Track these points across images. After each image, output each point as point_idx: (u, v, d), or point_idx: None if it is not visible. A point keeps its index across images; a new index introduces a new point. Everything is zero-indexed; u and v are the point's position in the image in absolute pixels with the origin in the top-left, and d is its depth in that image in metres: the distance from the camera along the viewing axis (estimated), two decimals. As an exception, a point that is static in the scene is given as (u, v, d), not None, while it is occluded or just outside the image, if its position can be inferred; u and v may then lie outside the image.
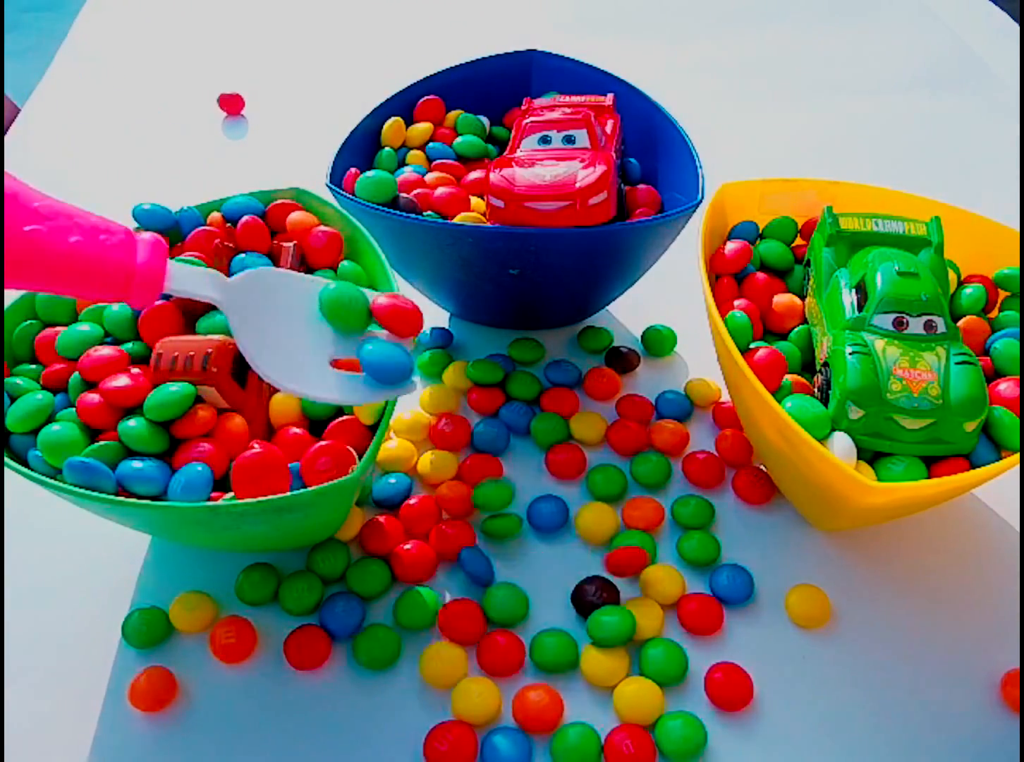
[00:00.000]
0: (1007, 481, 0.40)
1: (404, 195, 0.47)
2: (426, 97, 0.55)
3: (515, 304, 0.50)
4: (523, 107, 0.53)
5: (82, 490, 0.33)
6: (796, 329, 0.44)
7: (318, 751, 0.35)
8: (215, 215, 0.45)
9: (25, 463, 0.36)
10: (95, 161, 0.69)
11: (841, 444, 0.36)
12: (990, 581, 0.41)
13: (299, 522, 0.35)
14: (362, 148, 0.52)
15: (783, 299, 0.44)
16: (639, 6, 0.89)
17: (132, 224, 0.44)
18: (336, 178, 0.48)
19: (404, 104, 0.55)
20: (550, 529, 0.43)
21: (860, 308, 0.39)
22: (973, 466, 0.36)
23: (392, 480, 0.43)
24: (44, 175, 0.67)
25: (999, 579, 0.41)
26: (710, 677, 0.37)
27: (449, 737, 0.34)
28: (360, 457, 0.35)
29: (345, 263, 0.43)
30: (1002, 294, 0.44)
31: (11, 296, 0.41)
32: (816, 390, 0.40)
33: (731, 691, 0.36)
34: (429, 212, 0.48)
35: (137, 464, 0.35)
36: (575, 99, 0.52)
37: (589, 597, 0.39)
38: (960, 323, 0.42)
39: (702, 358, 0.49)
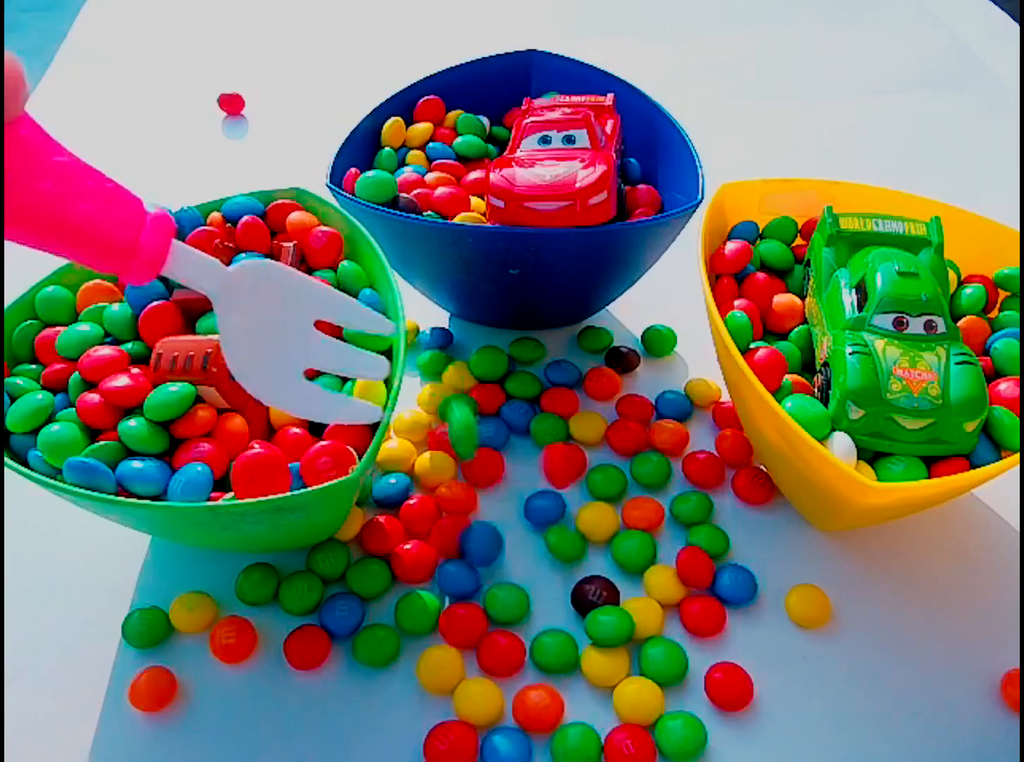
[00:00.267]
0: (1007, 481, 0.40)
1: (404, 195, 0.47)
2: (426, 97, 0.55)
3: (515, 304, 0.50)
4: (523, 107, 0.53)
5: (82, 490, 0.33)
6: (796, 329, 0.44)
7: (318, 751, 0.35)
8: (215, 215, 0.45)
9: (25, 463, 0.36)
10: (95, 161, 0.69)
11: (841, 444, 0.36)
12: (990, 581, 0.41)
13: (299, 522, 0.35)
14: (362, 148, 0.52)
15: (783, 299, 0.44)
16: (639, 6, 0.89)
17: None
18: (336, 178, 0.48)
19: (404, 104, 0.55)
20: (546, 523, 0.43)
21: (860, 308, 0.39)
22: (973, 466, 0.36)
23: (392, 480, 0.43)
24: (44, 175, 0.67)
25: (999, 579, 0.41)
26: (710, 677, 0.37)
27: (449, 737, 0.34)
28: (360, 457, 0.35)
29: (345, 263, 0.43)
30: (1002, 294, 0.44)
31: (11, 296, 0.41)
32: (816, 390, 0.40)
33: (731, 691, 0.36)
34: (429, 212, 0.48)
35: (137, 464, 0.35)
36: (575, 99, 0.52)
37: (590, 597, 0.39)
38: (960, 323, 0.42)
39: (702, 358, 0.49)
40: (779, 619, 0.40)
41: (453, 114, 0.56)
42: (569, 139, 0.47)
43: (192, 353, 0.36)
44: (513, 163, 0.45)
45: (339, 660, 0.38)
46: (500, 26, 0.85)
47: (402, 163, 0.53)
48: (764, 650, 0.38)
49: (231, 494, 0.35)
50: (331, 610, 0.38)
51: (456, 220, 0.47)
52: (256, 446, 0.36)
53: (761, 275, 0.45)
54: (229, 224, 0.45)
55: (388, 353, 0.40)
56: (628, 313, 0.55)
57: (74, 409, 0.37)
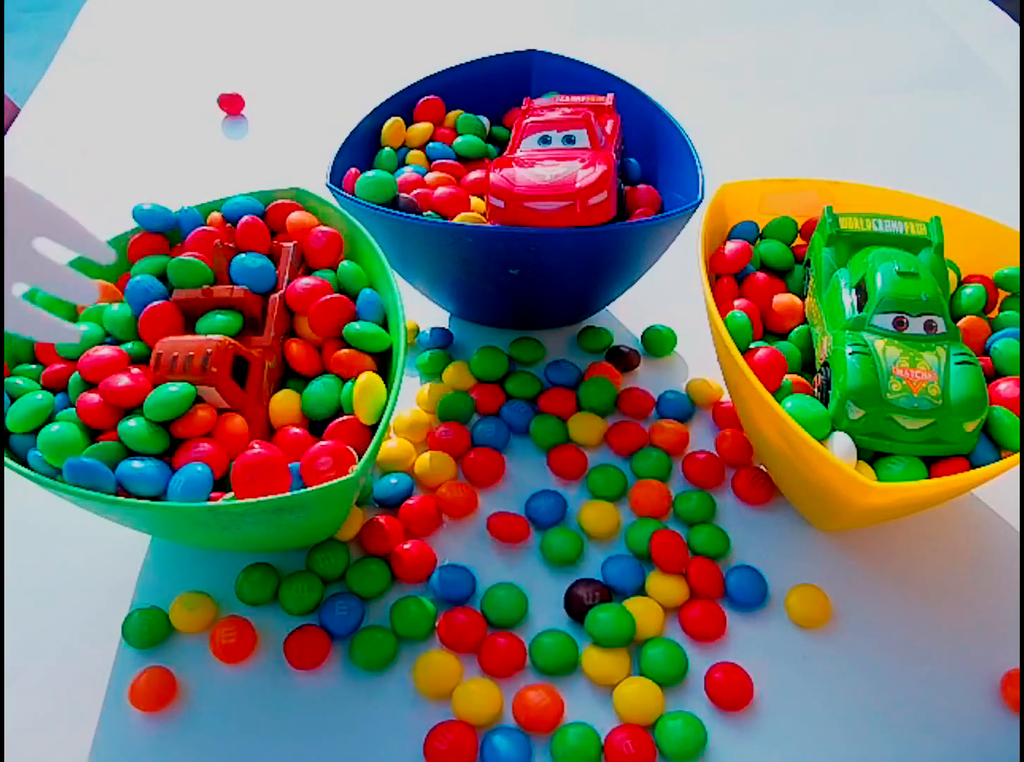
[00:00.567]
0: (1007, 481, 0.40)
1: (404, 195, 0.47)
2: (426, 97, 0.55)
3: (515, 304, 0.50)
4: (523, 107, 0.53)
5: (82, 490, 0.33)
6: (796, 329, 0.44)
7: (318, 750, 0.35)
8: (215, 215, 0.45)
9: (25, 463, 0.36)
10: (95, 161, 0.69)
11: (841, 444, 0.36)
12: (990, 581, 0.41)
13: (299, 522, 0.35)
14: (362, 148, 0.52)
15: (783, 299, 0.44)
16: (639, 6, 0.89)
17: (132, 224, 0.44)
18: (336, 178, 0.47)
19: (404, 104, 0.55)
20: (548, 524, 0.43)
21: (860, 308, 0.39)
22: (973, 466, 0.36)
23: (393, 480, 0.43)
24: (44, 175, 0.67)
25: (999, 579, 0.41)
26: (710, 677, 0.37)
27: (449, 736, 0.34)
28: (360, 457, 0.35)
29: (345, 263, 0.43)
30: (1002, 294, 0.44)
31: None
32: (816, 390, 0.40)
33: (731, 691, 0.36)
34: (429, 212, 0.48)
35: (137, 464, 0.35)
36: (575, 99, 0.52)
37: (585, 602, 0.39)
38: (960, 323, 0.42)
39: (702, 358, 0.49)
40: (779, 619, 0.40)
41: (453, 114, 0.56)
42: (569, 139, 0.47)
43: (192, 353, 0.36)
44: (513, 163, 0.45)
45: (339, 660, 0.38)
46: (500, 26, 0.85)
47: (402, 163, 0.53)
48: (764, 650, 0.38)
49: (231, 494, 0.35)
50: (331, 610, 0.38)
51: (456, 220, 0.47)
52: (256, 446, 0.36)
53: (761, 275, 0.45)
54: (229, 224, 0.45)
55: (388, 352, 0.40)
56: (628, 313, 0.55)
57: (74, 409, 0.37)
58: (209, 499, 0.34)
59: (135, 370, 0.38)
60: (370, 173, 0.47)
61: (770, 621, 0.40)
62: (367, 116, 0.52)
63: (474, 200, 0.49)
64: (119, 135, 0.72)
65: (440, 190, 0.48)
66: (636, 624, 0.38)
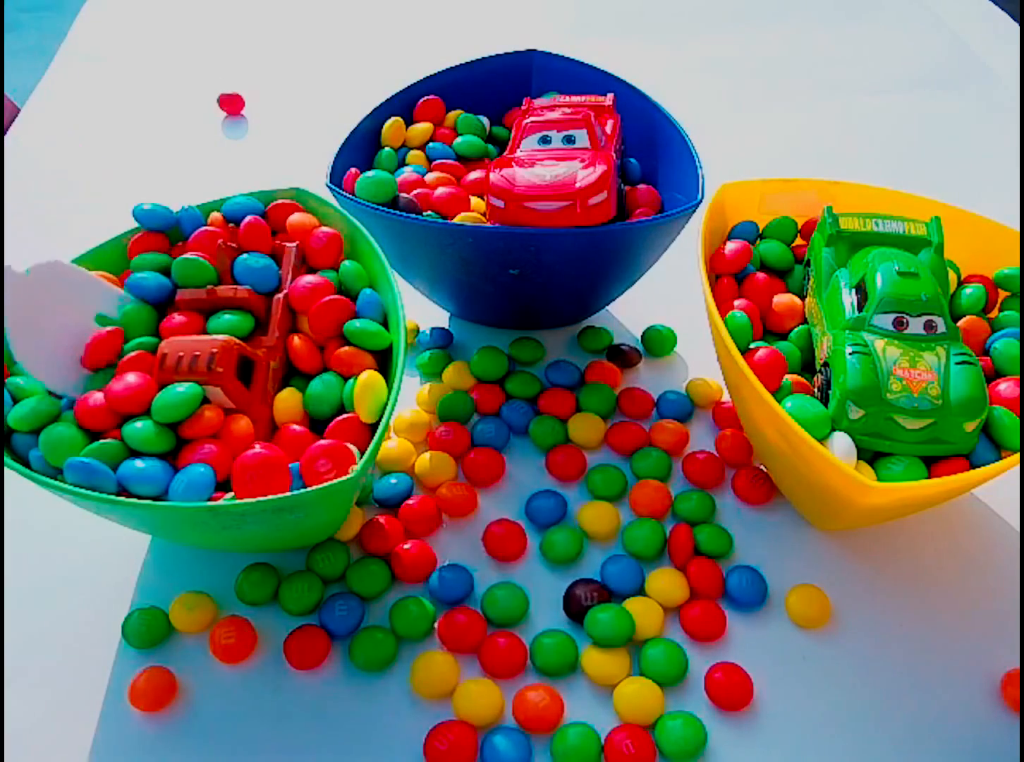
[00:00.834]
0: (1007, 481, 0.40)
1: (404, 195, 0.47)
2: (426, 97, 0.55)
3: (515, 304, 0.50)
4: (523, 107, 0.53)
5: (82, 490, 0.33)
6: (796, 329, 0.44)
7: (318, 751, 0.35)
8: (215, 215, 0.45)
9: (25, 463, 0.36)
10: (95, 161, 0.69)
11: (841, 444, 0.36)
12: (990, 581, 0.41)
13: (299, 522, 0.35)
14: (362, 148, 0.52)
15: (783, 299, 0.44)
16: (639, 7, 0.89)
17: (132, 224, 0.44)
18: (336, 178, 0.48)
19: (404, 104, 0.55)
20: (548, 523, 0.43)
21: (860, 308, 0.39)
22: (973, 466, 0.36)
23: (393, 480, 0.43)
24: (44, 175, 0.67)
25: (999, 579, 0.41)
26: (710, 677, 0.37)
27: (449, 737, 0.34)
28: (360, 457, 0.35)
29: (346, 263, 0.42)
30: (1002, 294, 0.44)
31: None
32: (816, 390, 0.40)
33: (731, 691, 0.36)
34: (429, 212, 0.48)
35: (140, 464, 0.35)
36: (575, 99, 0.52)
37: (583, 602, 0.39)
38: (960, 323, 0.42)
39: (702, 358, 0.49)
40: (779, 619, 0.40)
41: (453, 114, 0.56)
42: (569, 139, 0.47)
43: (197, 353, 0.36)
44: (513, 163, 0.45)
45: (339, 660, 0.38)
46: (500, 26, 0.85)
47: (402, 163, 0.53)
48: (764, 650, 0.38)
49: (231, 494, 0.34)
50: (331, 610, 0.38)
51: (456, 220, 0.47)
52: (257, 446, 0.36)
53: (761, 275, 0.45)
54: (231, 224, 0.45)
55: (388, 352, 0.40)
56: (628, 313, 0.55)
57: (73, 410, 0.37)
58: (210, 499, 0.34)
59: (133, 378, 0.37)
60: (370, 173, 0.47)
61: (770, 621, 0.40)
62: (367, 116, 0.52)
63: (474, 200, 0.49)
64: (119, 135, 0.72)
65: (440, 190, 0.48)
66: (636, 624, 0.38)
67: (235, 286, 0.40)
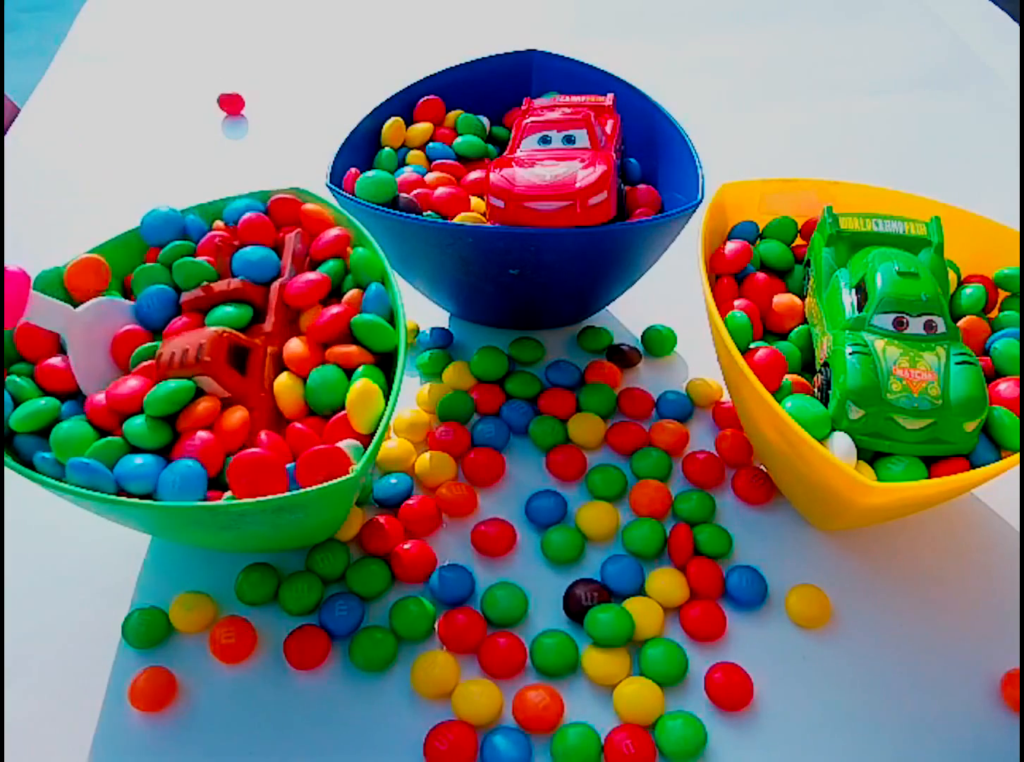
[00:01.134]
0: (1007, 481, 0.40)
1: (404, 195, 0.47)
2: (426, 97, 0.55)
3: (515, 304, 0.50)
4: (523, 107, 0.53)
5: (82, 490, 0.33)
6: (796, 329, 0.44)
7: (318, 751, 0.35)
8: (218, 223, 0.45)
9: (26, 463, 0.36)
10: (95, 161, 0.69)
11: (841, 444, 0.36)
12: (990, 581, 0.41)
13: (299, 522, 0.35)
14: (362, 148, 0.52)
15: (783, 299, 0.44)
16: (639, 7, 0.89)
17: (132, 223, 0.44)
18: (336, 178, 0.48)
19: (404, 104, 0.55)
20: (548, 523, 0.43)
21: (860, 308, 0.39)
22: (973, 466, 0.36)
23: (393, 480, 0.43)
24: (44, 175, 0.67)
25: (999, 579, 0.41)
26: (710, 677, 0.37)
27: (449, 737, 0.34)
28: (360, 457, 0.35)
29: (358, 250, 0.42)
30: (1002, 294, 0.44)
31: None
32: (816, 390, 0.40)
33: (731, 691, 0.36)
34: (429, 212, 0.48)
35: (138, 460, 0.35)
36: (575, 99, 0.52)
37: (583, 602, 0.39)
38: (960, 323, 0.42)
39: (702, 358, 0.49)
40: (779, 619, 0.40)
41: (453, 114, 0.56)
42: (569, 139, 0.47)
43: (188, 347, 0.36)
44: (513, 163, 0.45)
45: (339, 660, 0.38)
46: (500, 26, 0.85)
47: (402, 163, 0.53)
48: (764, 650, 0.38)
49: (230, 493, 0.34)
50: (331, 610, 0.38)
51: (456, 220, 0.47)
52: (262, 435, 0.36)
53: (761, 275, 0.45)
54: (232, 224, 0.45)
55: (391, 352, 0.40)
56: (628, 313, 0.55)
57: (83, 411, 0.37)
58: (207, 498, 0.34)
59: (133, 381, 0.38)
60: (370, 173, 0.47)
61: (770, 621, 0.40)
62: (367, 116, 0.52)
63: (474, 200, 0.49)
64: (119, 135, 0.72)
65: (440, 190, 0.48)
66: (636, 624, 0.38)
67: (229, 279, 0.40)
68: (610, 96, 0.52)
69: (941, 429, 0.36)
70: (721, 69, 0.79)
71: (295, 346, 0.39)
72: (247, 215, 0.43)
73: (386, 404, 0.37)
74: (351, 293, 0.41)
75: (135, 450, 0.36)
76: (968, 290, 0.43)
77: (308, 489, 0.32)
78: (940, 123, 0.72)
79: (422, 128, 0.54)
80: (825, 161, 0.65)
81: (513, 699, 0.36)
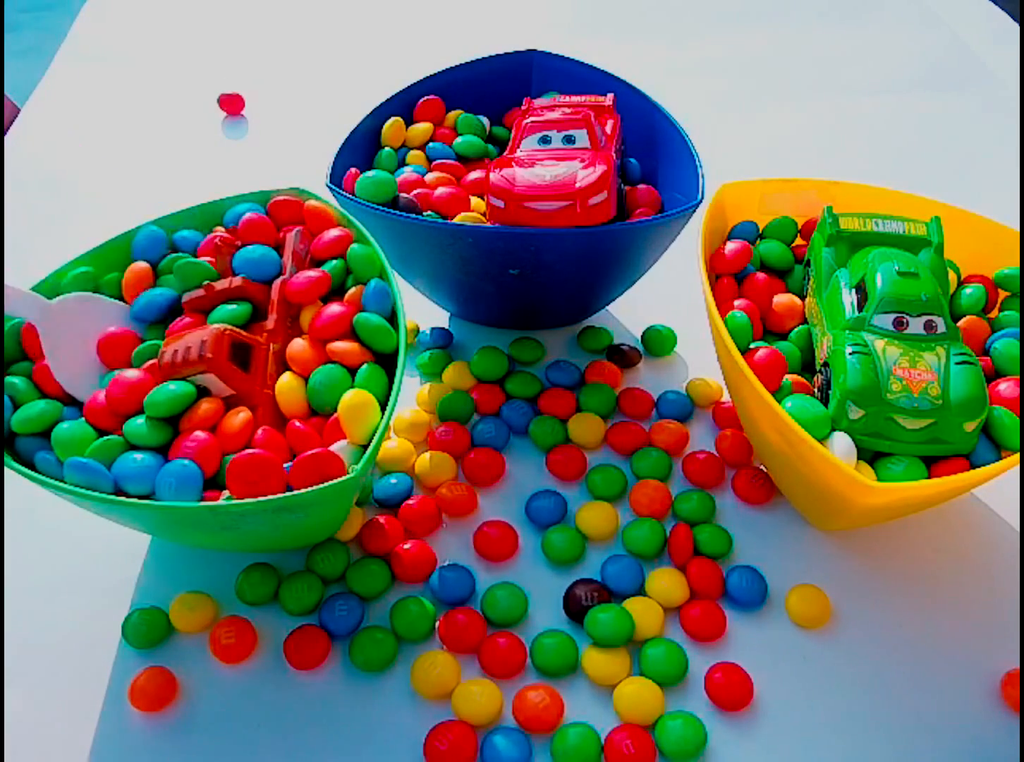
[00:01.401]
0: (1007, 481, 0.40)
1: (404, 195, 0.47)
2: (426, 97, 0.55)
3: (515, 304, 0.50)
4: (523, 107, 0.53)
5: (82, 490, 0.33)
6: (796, 329, 0.44)
7: (318, 751, 0.35)
8: (218, 227, 0.45)
9: (27, 463, 0.36)
10: (95, 161, 0.69)
11: (841, 444, 0.36)
12: (990, 581, 0.41)
13: (299, 522, 0.35)
14: (362, 148, 0.52)
15: (783, 299, 0.44)
16: (639, 7, 0.89)
17: (132, 223, 0.44)
18: (336, 178, 0.48)
19: (404, 104, 0.55)
20: (548, 524, 0.43)
21: (860, 308, 0.39)
22: (973, 466, 0.36)
23: (393, 480, 0.43)
24: (44, 175, 0.67)
25: (999, 579, 0.41)
26: (710, 677, 0.37)
27: (449, 737, 0.34)
28: (359, 457, 0.35)
29: (355, 246, 0.42)
30: (1002, 294, 0.44)
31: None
32: (816, 390, 0.40)
33: (731, 691, 0.36)
34: (429, 212, 0.48)
35: (137, 456, 0.35)
36: (575, 99, 0.52)
37: (583, 602, 0.39)
38: (960, 323, 0.42)
39: (702, 358, 0.49)
40: (779, 619, 0.40)
41: (453, 114, 0.56)
42: (569, 139, 0.47)
43: (190, 345, 0.37)
44: (513, 163, 0.45)
45: (339, 660, 0.38)
46: (500, 26, 0.85)
47: (402, 163, 0.53)
48: (764, 650, 0.38)
49: (229, 493, 0.34)
50: (331, 610, 0.38)
51: (456, 220, 0.47)
52: (260, 431, 0.36)
53: (761, 275, 0.45)
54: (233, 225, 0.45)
55: (393, 353, 0.40)
56: (628, 313, 0.55)
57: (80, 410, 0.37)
58: (206, 497, 0.34)
59: (134, 372, 0.38)
60: (370, 173, 0.47)
61: (770, 621, 0.40)
62: (367, 116, 0.52)
63: (474, 200, 0.49)
64: (119, 135, 0.72)
65: (440, 190, 0.48)
66: (636, 624, 0.38)
67: (231, 278, 0.40)
68: (610, 96, 0.52)
69: (941, 429, 0.36)
70: (721, 69, 0.79)
71: (299, 346, 0.39)
72: (247, 215, 0.43)
73: (386, 404, 0.37)
74: (352, 290, 0.41)
75: (134, 448, 0.36)
76: (968, 290, 0.43)
77: (308, 489, 0.32)
78: (940, 123, 0.72)
79: (422, 128, 0.54)
80: (825, 161, 0.65)
81: (513, 699, 0.36)
